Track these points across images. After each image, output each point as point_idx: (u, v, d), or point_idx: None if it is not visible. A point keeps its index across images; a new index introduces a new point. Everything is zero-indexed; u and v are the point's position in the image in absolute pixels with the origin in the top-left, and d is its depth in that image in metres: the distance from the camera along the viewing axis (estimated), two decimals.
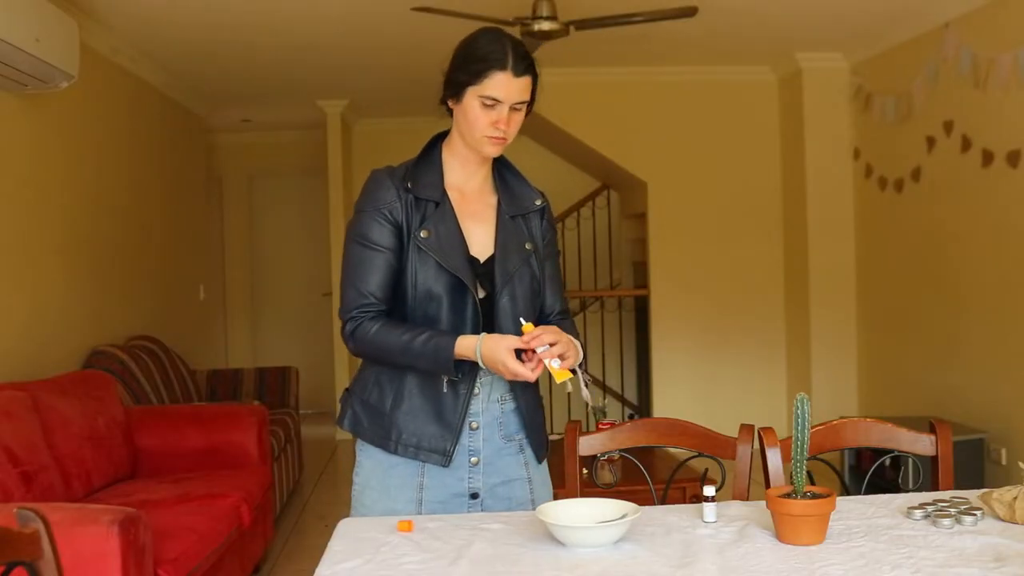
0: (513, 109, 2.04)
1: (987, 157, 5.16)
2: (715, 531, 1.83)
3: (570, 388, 2.06)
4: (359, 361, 2.21)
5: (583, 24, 4.65)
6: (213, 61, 6.32)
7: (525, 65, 2.03)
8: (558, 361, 1.96)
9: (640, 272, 8.04)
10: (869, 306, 6.64)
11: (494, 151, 2.09)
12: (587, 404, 2.13)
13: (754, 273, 7.20)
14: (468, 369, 2.05)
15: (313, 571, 1.65)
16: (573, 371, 2.01)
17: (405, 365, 2.04)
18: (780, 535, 1.75)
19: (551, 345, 1.95)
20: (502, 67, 2.00)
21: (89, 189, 5.29)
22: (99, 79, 5.38)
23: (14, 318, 4.38)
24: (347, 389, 2.22)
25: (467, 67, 2.02)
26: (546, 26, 4.60)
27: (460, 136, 2.11)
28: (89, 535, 2.77)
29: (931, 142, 5.69)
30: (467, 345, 1.97)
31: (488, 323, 2.07)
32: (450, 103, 2.09)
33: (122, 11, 5.07)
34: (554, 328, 1.99)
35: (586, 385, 2.06)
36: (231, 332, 9.57)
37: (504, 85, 2.01)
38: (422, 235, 2.05)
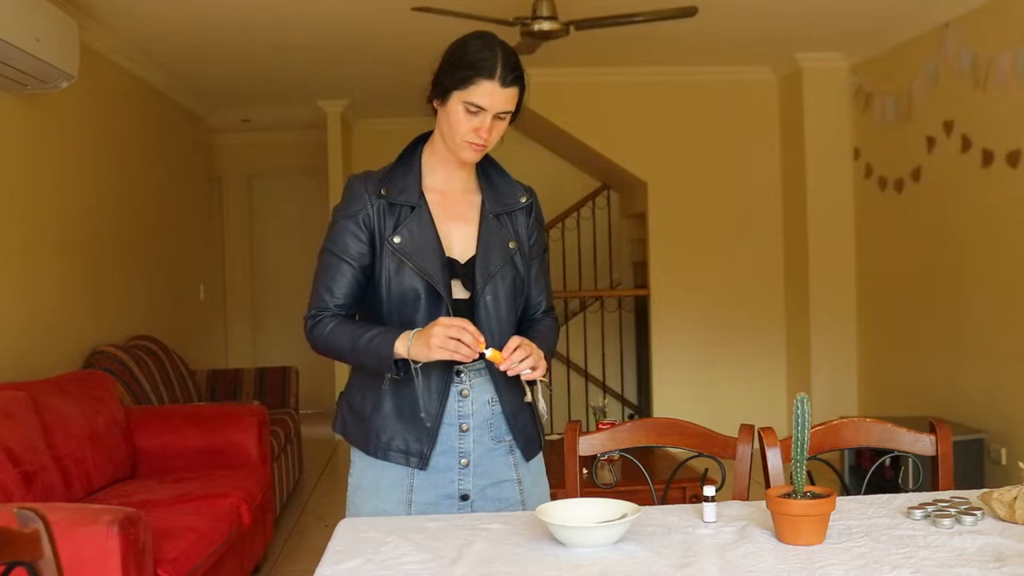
0: (497, 118, 2.03)
1: (987, 157, 5.16)
2: (715, 531, 1.83)
3: (528, 397, 2.06)
4: None
5: (583, 24, 4.66)
6: (213, 61, 6.32)
7: (514, 76, 2.02)
8: (528, 370, 1.97)
9: (640, 272, 8.04)
10: (869, 306, 6.64)
11: (472, 157, 2.08)
12: (542, 416, 2.12)
13: (754, 273, 7.20)
14: (439, 374, 2.06)
15: (313, 571, 1.65)
16: (532, 381, 2.02)
17: (356, 364, 2.09)
18: (780, 535, 1.75)
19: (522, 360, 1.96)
20: (490, 76, 1.99)
21: (89, 189, 5.29)
22: (99, 79, 5.39)
23: (14, 318, 4.38)
24: (341, 393, 2.24)
25: (455, 72, 2.01)
26: (546, 26, 4.60)
27: (441, 138, 2.10)
28: (89, 535, 2.77)
29: (931, 142, 5.69)
30: (401, 343, 1.97)
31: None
32: (435, 104, 2.08)
33: (122, 11, 5.07)
34: (521, 343, 1.98)
35: (544, 397, 2.05)
36: (231, 332, 9.57)
37: (490, 94, 2.00)
38: (396, 240, 2.06)
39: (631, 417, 7.78)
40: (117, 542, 2.77)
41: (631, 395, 8.26)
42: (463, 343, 1.91)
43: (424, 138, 2.18)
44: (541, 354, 2.00)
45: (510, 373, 1.97)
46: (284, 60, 6.37)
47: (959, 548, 1.68)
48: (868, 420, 2.28)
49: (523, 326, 2.20)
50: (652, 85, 7.03)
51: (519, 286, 2.14)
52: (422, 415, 2.06)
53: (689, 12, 4.61)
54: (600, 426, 2.49)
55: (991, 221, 5.19)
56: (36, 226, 4.64)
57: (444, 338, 1.91)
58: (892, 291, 6.30)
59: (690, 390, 7.16)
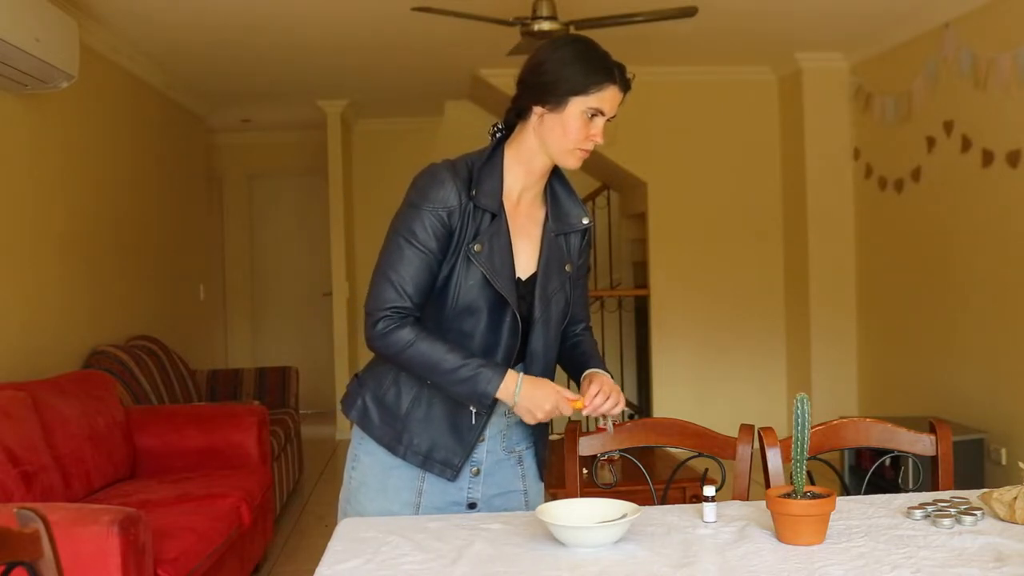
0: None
1: (987, 157, 5.16)
2: (715, 531, 1.83)
3: (602, 423, 2.11)
4: (362, 361, 2.19)
5: (583, 24, 4.65)
6: (213, 61, 6.32)
7: (627, 82, 2.03)
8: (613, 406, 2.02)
9: (640, 272, 8.04)
10: (869, 306, 6.64)
11: (578, 164, 2.03)
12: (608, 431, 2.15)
13: (754, 273, 7.20)
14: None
15: (313, 571, 1.65)
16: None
17: (434, 382, 1.98)
18: (780, 535, 1.75)
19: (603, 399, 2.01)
20: (614, 80, 1.98)
21: (89, 189, 5.29)
22: (99, 79, 5.38)
23: (14, 318, 4.38)
24: (358, 377, 2.16)
25: (578, 78, 1.95)
26: (546, 26, 4.59)
27: (542, 143, 2.01)
28: (89, 535, 2.77)
29: (931, 142, 5.69)
30: (505, 390, 1.94)
31: (521, 344, 2.05)
32: (543, 108, 1.99)
33: (122, 11, 5.07)
34: (600, 387, 2.00)
35: (614, 422, 2.11)
36: (231, 332, 9.57)
37: (611, 99, 1.99)
38: (475, 248, 1.97)
39: (631, 417, 7.78)
40: (117, 542, 2.77)
41: (631, 395, 8.25)
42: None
43: (504, 136, 2.08)
44: (617, 388, 2.01)
45: (596, 415, 1.98)
46: (284, 60, 6.37)
47: (959, 548, 1.68)
48: (868, 420, 2.28)
49: (567, 342, 2.20)
50: (652, 85, 7.01)
51: (566, 309, 2.12)
52: (464, 428, 2.04)
53: (689, 12, 4.61)
54: (600, 427, 2.49)
55: (991, 221, 5.19)
56: (36, 226, 4.64)
57: (555, 413, 1.95)
58: (892, 291, 6.30)
59: (690, 390, 7.16)
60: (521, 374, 1.96)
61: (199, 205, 7.67)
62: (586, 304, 2.26)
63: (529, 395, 1.94)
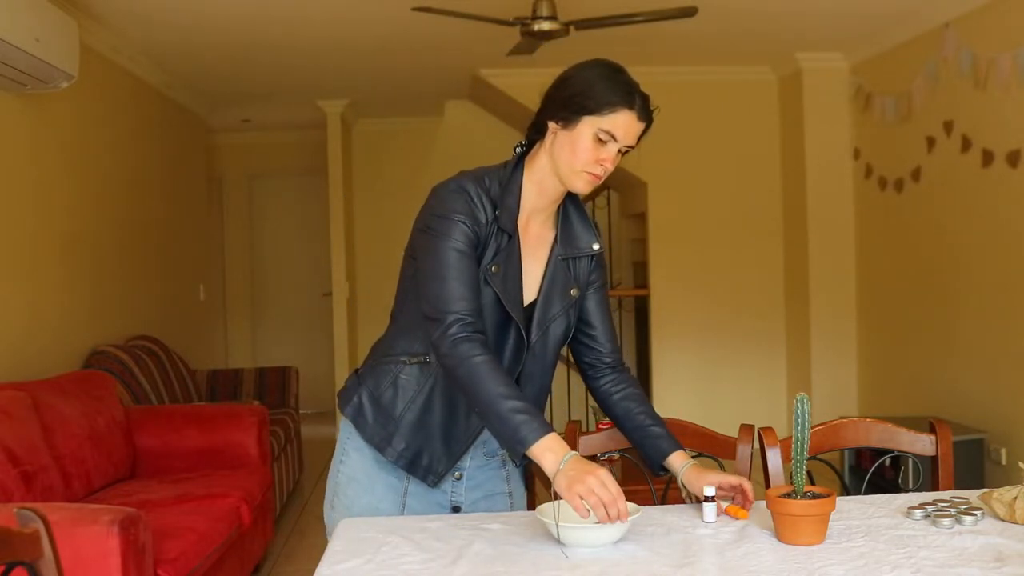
0: (619, 151, 1.96)
1: (987, 157, 5.16)
2: (715, 531, 1.83)
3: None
4: (361, 360, 2.18)
5: (583, 24, 4.66)
6: (213, 61, 6.32)
7: (648, 113, 1.98)
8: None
9: (640, 272, 8.04)
10: (869, 306, 6.64)
11: (585, 188, 1.97)
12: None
13: (754, 273, 7.20)
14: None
15: (313, 571, 1.65)
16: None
17: (479, 409, 1.88)
18: (780, 535, 1.75)
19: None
20: (631, 106, 1.94)
21: (89, 189, 5.29)
22: (99, 79, 5.38)
23: (14, 318, 4.38)
24: (357, 373, 2.15)
25: (594, 97, 1.92)
26: (546, 26, 4.60)
27: (552, 162, 1.98)
28: (89, 535, 2.77)
29: (931, 142, 5.69)
30: (550, 451, 1.78)
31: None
32: (556, 125, 1.96)
33: (122, 11, 5.07)
34: (732, 477, 1.96)
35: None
36: (231, 332, 9.57)
37: (627, 126, 1.93)
38: (492, 269, 1.95)
39: None
40: (117, 542, 2.77)
41: None
42: (603, 507, 1.71)
43: (525, 151, 2.04)
44: (741, 479, 1.96)
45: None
46: (284, 60, 6.37)
47: (959, 548, 1.68)
48: (868, 420, 2.29)
49: (610, 391, 2.13)
50: (652, 85, 6.90)
51: (566, 334, 2.08)
52: (456, 438, 2.03)
53: (689, 12, 4.61)
54: (600, 426, 2.49)
55: (991, 221, 5.19)
56: (36, 227, 4.64)
57: (595, 495, 1.71)
58: (892, 291, 6.30)
59: (690, 390, 7.16)
60: (574, 453, 1.80)
61: (199, 205, 7.67)
62: (613, 335, 2.16)
63: (577, 466, 1.77)
